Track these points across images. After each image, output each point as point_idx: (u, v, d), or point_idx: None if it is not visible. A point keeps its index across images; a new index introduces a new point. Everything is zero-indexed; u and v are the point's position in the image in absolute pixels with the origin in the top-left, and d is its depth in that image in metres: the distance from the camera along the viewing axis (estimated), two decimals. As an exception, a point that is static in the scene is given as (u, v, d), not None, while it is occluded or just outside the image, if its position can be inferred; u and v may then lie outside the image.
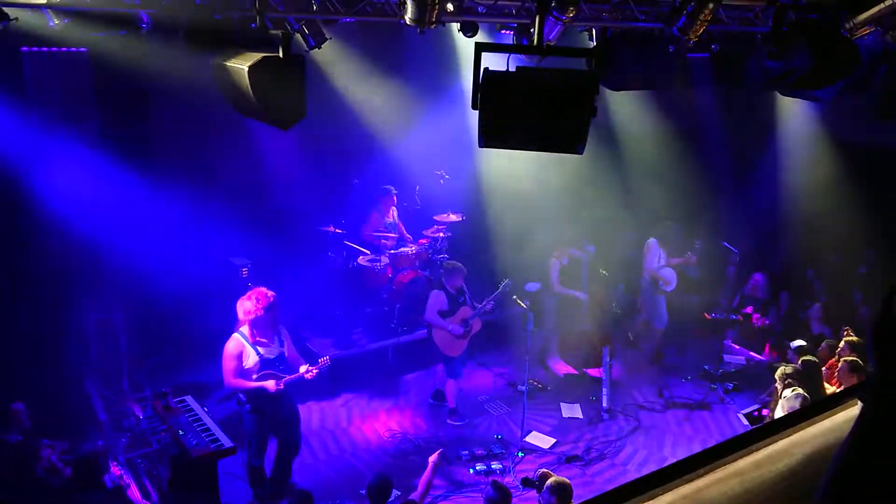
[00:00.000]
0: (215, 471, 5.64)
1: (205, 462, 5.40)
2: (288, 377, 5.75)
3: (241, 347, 5.69)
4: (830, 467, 1.12)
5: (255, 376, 5.69)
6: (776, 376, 6.45)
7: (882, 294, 1.10)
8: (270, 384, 5.65)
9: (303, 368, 5.81)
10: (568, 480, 4.75)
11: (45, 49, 5.28)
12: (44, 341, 6.99)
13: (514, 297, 7.81)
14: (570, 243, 8.78)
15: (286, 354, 5.87)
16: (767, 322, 9.37)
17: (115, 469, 5.79)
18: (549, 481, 4.71)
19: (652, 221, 8.98)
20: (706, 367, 8.77)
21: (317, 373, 5.86)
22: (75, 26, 5.12)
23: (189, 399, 6.05)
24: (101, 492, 5.21)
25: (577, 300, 8.46)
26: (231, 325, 8.47)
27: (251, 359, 5.70)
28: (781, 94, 7.92)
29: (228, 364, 5.67)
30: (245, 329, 5.75)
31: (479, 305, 7.51)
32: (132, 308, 7.50)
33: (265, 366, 5.72)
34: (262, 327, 5.72)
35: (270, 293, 5.71)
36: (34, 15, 4.90)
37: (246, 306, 5.66)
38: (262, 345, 5.75)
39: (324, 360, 6.04)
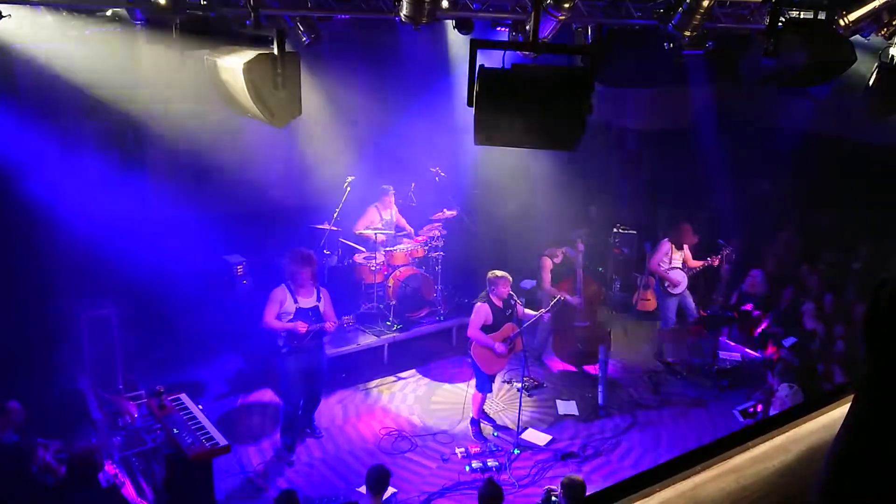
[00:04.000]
0: (210, 469, 5.64)
1: (200, 461, 5.40)
2: (314, 325, 6.66)
3: (283, 295, 6.67)
4: (825, 462, 1.13)
5: (288, 319, 6.61)
6: (773, 374, 6.47)
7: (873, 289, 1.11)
8: (298, 324, 6.58)
9: (326, 324, 6.77)
10: (582, 480, 4.88)
11: (40, 46, 5.25)
12: (37, 339, 6.97)
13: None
14: (564, 242, 8.77)
15: (321, 309, 6.80)
16: (766, 320, 9.38)
17: (110, 468, 5.77)
18: (563, 478, 4.88)
19: (662, 219, 9.00)
20: (702, 364, 8.79)
21: (335, 326, 6.92)
22: (68, 24, 5.09)
23: (184, 397, 6.04)
24: (95, 490, 5.19)
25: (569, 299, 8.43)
26: (225, 321, 8.49)
27: (289, 305, 6.65)
28: (776, 90, 7.94)
29: (269, 307, 6.63)
30: (289, 281, 6.72)
31: (526, 322, 7.23)
32: (126, 305, 7.47)
33: (299, 313, 6.66)
34: (300, 281, 6.70)
35: (309, 254, 6.77)
36: (27, 12, 4.87)
37: (287, 264, 6.75)
38: (301, 295, 6.72)
39: (347, 318, 7.34)
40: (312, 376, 6.99)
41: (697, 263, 8.95)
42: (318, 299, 6.81)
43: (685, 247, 8.94)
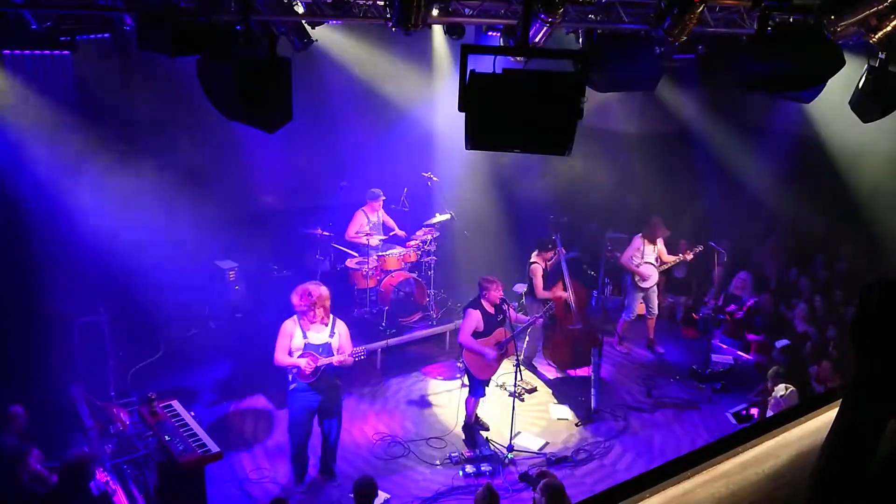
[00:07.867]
0: (202, 476, 5.60)
1: (192, 468, 5.37)
2: (322, 360, 6.14)
3: (292, 329, 6.19)
4: (814, 466, 1.13)
5: (296, 355, 6.14)
6: (768, 375, 6.49)
7: (860, 292, 1.12)
8: (303, 362, 6.07)
9: (336, 358, 6.20)
10: (561, 483, 4.73)
11: (27, 52, 5.23)
12: (28, 345, 6.92)
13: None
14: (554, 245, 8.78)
15: (335, 345, 6.26)
16: (754, 321, 9.41)
17: (101, 475, 5.73)
18: (542, 482, 4.70)
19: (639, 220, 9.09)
20: (694, 367, 8.81)
21: (349, 361, 6.30)
22: (58, 29, 5.08)
23: (175, 404, 6.01)
24: (87, 498, 5.16)
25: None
26: (218, 327, 8.47)
27: (297, 340, 6.18)
28: (766, 95, 7.99)
29: (280, 341, 6.19)
30: (298, 314, 6.26)
31: (518, 327, 7.25)
32: (118, 311, 7.43)
33: (308, 349, 6.17)
34: (310, 317, 6.20)
35: (316, 290, 6.18)
36: (15, 17, 4.85)
37: (294, 299, 6.21)
38: (311, 329, 6.22)
39: (359, 349, 6.44)
40: (324, 416, 6.49)
41: (671, 259, 9.19)
42: (332, 334, 6.26)
43: (659, 241, 9.16)
